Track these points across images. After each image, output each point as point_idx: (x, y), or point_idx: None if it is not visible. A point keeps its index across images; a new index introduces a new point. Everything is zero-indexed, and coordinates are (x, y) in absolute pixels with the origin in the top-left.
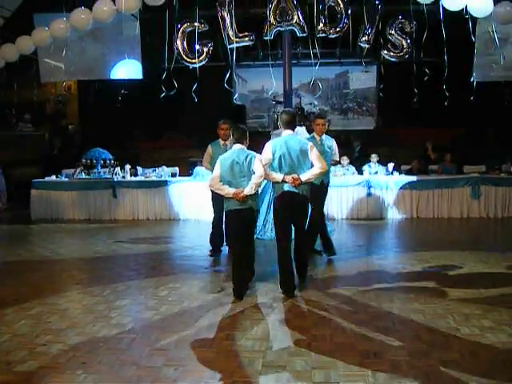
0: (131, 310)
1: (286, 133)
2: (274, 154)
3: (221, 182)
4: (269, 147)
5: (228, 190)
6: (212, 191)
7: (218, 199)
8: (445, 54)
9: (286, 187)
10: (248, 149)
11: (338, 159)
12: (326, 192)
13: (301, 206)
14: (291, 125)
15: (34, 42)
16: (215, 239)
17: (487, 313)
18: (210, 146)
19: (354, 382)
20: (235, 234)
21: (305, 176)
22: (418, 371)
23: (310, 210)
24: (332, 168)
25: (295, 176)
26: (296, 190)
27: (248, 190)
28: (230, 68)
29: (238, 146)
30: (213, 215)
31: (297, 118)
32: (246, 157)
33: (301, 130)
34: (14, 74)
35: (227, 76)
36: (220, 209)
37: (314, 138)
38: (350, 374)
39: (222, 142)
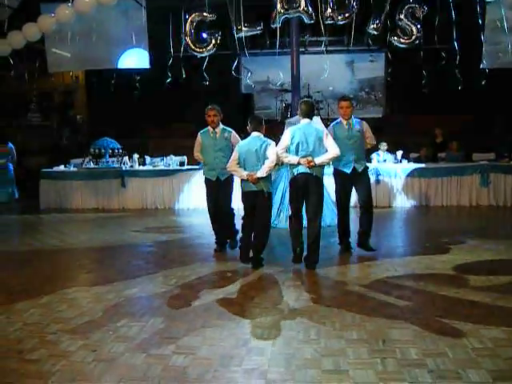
0: (140, 298)
1: (304, 121)
2: (292, 139)
3: (238, 164)
4: (288, 133)
5: (242, 173)
6: (205, 184)
7: (209, 189)
8: (455, 40)
9: (301, 169)
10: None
11: (374, 142)
12: (366, 179)
13: (313, 186)
14: (309, 114)
15: (40, 28)
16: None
17: (496, 300)
18: (199, 135)
19: (363, 369)
20: (248, 212)
21: (319, 159)
22: (426, 359)
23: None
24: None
25: (310, 158)
26: (309, 171)
27: (260, 173)
28: (239, 57)
29: (255, 134)
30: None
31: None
32: (262, 144)
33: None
34: (21, 64)
35: (235, 63)
36: (214, 201)
37: (341, 123)
38: (359, 361)
39: (211, 129)
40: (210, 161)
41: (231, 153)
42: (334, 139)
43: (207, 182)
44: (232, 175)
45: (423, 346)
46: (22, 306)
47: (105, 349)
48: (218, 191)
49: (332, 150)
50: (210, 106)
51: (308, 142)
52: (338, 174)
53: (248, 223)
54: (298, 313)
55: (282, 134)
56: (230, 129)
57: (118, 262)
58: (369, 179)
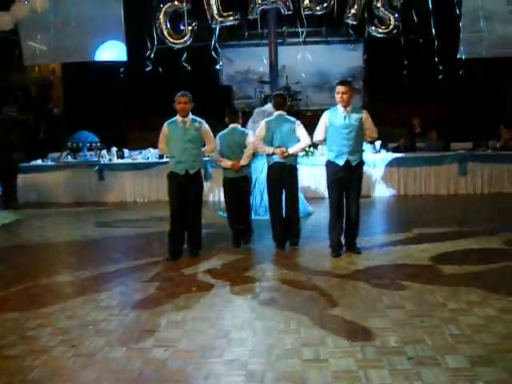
0: (120, 292)
1: (278, 113)
2: (267, 131)
3: (220, 154)
4: (263, 125)
5: (227, 162)
6: (168, 181)
7: (175, 186)
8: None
9: (276, 158)
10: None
11: (375, 135)
12: (358, 176)
13: (288, 175)
14: (282, 106)
15: (13, 16)
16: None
17: (474, 287)
18: (165, 126)
19: (343, 358)
20: (231, 199)
21: (292, 149)
22: (405, 346)
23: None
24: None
25: (283, 149)
26: (283, 161)
27: (243, 161)
28: (214, 48)
29: (233, 125)
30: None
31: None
32: (241, 133)
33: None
34: None
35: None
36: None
37: (337, 110)
38: (339, 350)
39: (180, 118)
40: (177, 153)
41: (202, 145)
42: (328, 127)
43: (173, 177)
44: (200, 170)
45: (402, 333)
46: (0, 301)
47: (84, 343)
48: (185, 188)
49: (303, 139)
50: (180, 93)
51: (281, 133)
52: (329, 166)
53: (234, 209)
54: (278, 303)
55: (245, 124)
56: (200, 119)
57: (97, 257)
58: (361, 176)
